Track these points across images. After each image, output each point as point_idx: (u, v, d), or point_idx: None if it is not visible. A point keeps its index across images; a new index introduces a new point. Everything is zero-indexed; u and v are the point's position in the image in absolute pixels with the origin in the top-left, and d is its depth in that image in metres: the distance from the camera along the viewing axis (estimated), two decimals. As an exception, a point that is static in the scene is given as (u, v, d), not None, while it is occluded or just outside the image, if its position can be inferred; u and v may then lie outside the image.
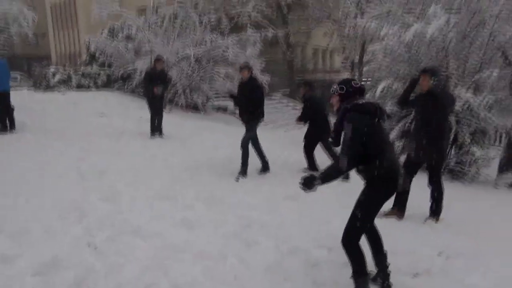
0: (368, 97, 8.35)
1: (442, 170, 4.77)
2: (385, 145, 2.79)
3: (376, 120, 2.72)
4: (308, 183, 2.73)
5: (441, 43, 7.23)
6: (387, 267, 2.92)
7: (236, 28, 14.98)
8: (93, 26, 25.62)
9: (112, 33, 17.52)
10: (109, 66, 15.26)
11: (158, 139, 8.24)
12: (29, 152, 6.30)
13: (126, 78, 14.53)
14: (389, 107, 7.66)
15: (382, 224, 3.12)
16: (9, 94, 7.92)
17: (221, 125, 12.20)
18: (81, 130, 8.57)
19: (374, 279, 2.93)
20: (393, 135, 7.63)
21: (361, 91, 2.86)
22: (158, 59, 8.60)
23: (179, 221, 3.90)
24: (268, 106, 17.06)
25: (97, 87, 15.05)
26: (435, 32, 6.82)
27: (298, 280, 3.01)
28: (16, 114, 8.06)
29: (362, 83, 3.01)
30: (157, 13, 15.38)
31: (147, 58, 13.64)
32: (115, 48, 14.63)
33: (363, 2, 16.39)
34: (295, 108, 17.77)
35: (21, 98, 10.39)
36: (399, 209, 4.65)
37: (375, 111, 2.72)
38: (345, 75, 24.50)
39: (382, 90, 7.48)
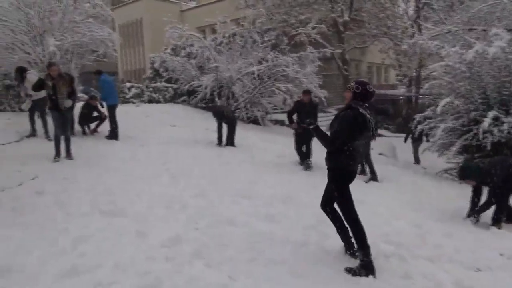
0: (429, 112, 8.74)
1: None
2: (353, 143, 3.28)
3: (358, 129, 3.23)
4: (314, 129, 3.45)
5: (504, 61, 7.42)
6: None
7: (295, 46, 15.73)
8: (156, 44, 27.77)
9: (175, 50, 19.01)
10: (175, 81, 16.54)
11: (227, 147, 9.06)
12: (125, 157, 7.30)
13: (191, 92, 15.71)
14: (451, 122, 7.97)
15: (450, 229, 3.56)
16: (117, 106, 9.04)
17: (280, 137, 12.87)
18: (158, 139, 9.59)
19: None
20: (454, 149, 7.93)
21: (369, 96, 3.29)
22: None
23: (263, 215, 4.56)
24: (323, 119, 17.59)
25: (165, 100, 16.38)
26: (497, 51, 7.06)
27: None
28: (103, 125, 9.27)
29: (374, 89, 3.36)
30: (219, 33, 16.57)
31: (212, 75, 14.74)
32: (181, 65, 15.91)
33: (421, 19, 16.56)
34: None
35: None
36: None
37: (364, 122, 3.20)
38: (401, 90, 24.47)
39: (443, 105, 7.77)
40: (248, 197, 5.23)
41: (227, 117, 9.38)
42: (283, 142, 11.46)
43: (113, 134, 8.97)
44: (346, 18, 17.40)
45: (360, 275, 3.24)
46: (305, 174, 7.10)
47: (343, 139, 3.25)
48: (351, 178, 3.40)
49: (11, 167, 5.71)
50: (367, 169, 7.53)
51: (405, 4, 19.33)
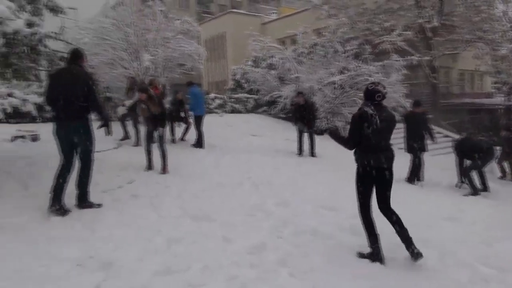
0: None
1: None
2: (368, 142, 3.52)
3: (366, 124, 3.46)
4: (329, 133, 3.92)
5: None
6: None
7: (378, 54, 15.22)
8: (238, 56, 28.79)
9: (256, 62, 19.50)
10: (256, 92, 16.94)
11: (308, 157, 9.01)
12: (209, 165, 7.64)
13: (271, 103, 15.95)
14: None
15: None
16: (203, 117, 9.55)
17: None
18: (240, 148, 9.89)
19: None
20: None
21: (372, 94, 3.57)
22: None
23: (347, 227, 4.45)
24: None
25: (247, 111, 16.85)
26: None
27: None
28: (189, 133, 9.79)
29: (376, 87, 3.58)
30: (300, 44, 16.65)
31: (292, 85, 14.83)
32: (262, 76, 16.27)
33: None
34: (439, 133, 16.97)
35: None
36: None
37: (364, 119, 3.47)
38: (499, 99, 22.33)
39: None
40: (331, 208, 5.15)
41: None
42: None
43: (199, 143, 9.44)
44: (436, 23, 16.43)
45: (367, 258, 3.60)
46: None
47: (355, 138, 3.57)
48: (371, 175, 3.60)
49: (111, 172, 6.28)
50: (467, 182, 7.24)
51: (504, 6, 17.67)
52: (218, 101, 16.27)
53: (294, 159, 8.65)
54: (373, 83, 3.70)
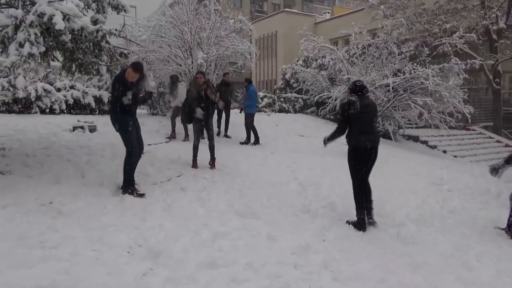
0: None
1: None
2: (355, 127, 4.35)
3: (351, 111, 4.31)
4: (326, 140, 4.78)
5: None
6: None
7: (435, 56, 14.54)
8: (289, 56, 28.71)
9: (306, 62, 19.32)
10: (305, 92, 16.80)
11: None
12: (256, 162, 7.68)
13: (320, 103, 15.75)
14: None
15: None
16: (254, 115, 9.89)
17: (412, 153, 11.99)
18: (287, 147, 9.85)
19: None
20: None
21: (358, 90, 4.44)
22: None
23: (394, 235, 4.30)
24: (465, 139, 15.82)
25: (295, 111, 16.76)
26: None
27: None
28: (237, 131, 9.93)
29: (362, 84, 4.52)
30: (354, 44, 16.28)
31: (343, 87, 14.54)
32: (312, 76, 16.10)
33: None
34: (499, 142, 15.95)
35: (237, 117, 12.56)
36: None
37: (349, 105, 4.33)
38: None
39: None
40: (379, 215, 4.97)
41: None
42: (415, 159, 10.67)
43: (253, 139, 9.75)
44: (502, 25, 15.41)
45: (354, 226, 4.39)
46: (441, 198, 6.39)
47: (344, 122, 4.40)
48: (359, 154, 4.41)
49: (162, 164, 6.50)
50: None
51: None
52: (266, 100, 16.33)
53: (342, 161, 8.44)
54: (358, 80, 4.67)
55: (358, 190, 4.50)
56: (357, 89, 4.46)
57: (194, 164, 6.73)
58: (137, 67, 4.73)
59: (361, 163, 4.46)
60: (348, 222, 4.47)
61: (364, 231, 4.30)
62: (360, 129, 4.34)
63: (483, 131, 16.90)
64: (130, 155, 4.89)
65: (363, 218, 4.40)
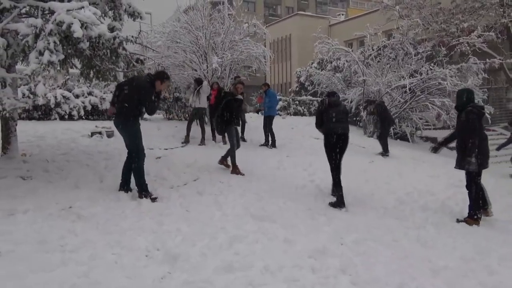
0: None
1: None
2: (328, 119, 5.41)
3: (323, 108, 5.50)
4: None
5: None
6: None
7: (452, 56, 14.31)
8: (303, 58, 28.65)
9: (321, 64, 19.25)
10: (320, 95, 16.73)
11: (377, 161, 8.75)
12: (272, 165, 7.67)
13: (335, 106, 15.66)
14: None
15: None
16: (273, 118, 10.02)
17: (429, 156, 11.75)
18: (303, 150, 9.80)
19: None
20: None
21: (335, 94, 5.68)
22: None
23: (414, 238, 4.23)
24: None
25: (310, 114, 16.70)
26: None
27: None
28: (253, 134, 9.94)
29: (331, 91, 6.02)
30: (369, 46, 16.16)
31: (359, 89, 14.44)
32: (327, 79, 16.03)
33: None
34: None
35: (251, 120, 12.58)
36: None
37: (322, 104, 5.61)
38: None
39: None
40: (398, 217, 4.92)
41: None
42: (432, 161, 10.49)
43: (270, 142, 9.82)
44: (522, 23, 15.06)
45: (335, 206, 5.20)
46: (461, 200, 6.25)
47: (319, 117, 5.59)
48: (331, 140, 5.35)
49: (178, 168, 6.55)
50: None
51: None
52: (281, 103, 16.32)
53: (359, 164, 8.38)
54: (333, 92, 5.81)
55: (337, 174, 5.35)
56: (334, 93, 5.76)
57: (237, 170, 6.71)
58: (166, 76, 5.08)
59: (334, 148, 5.39)
60: (330, 203, 5.27)
61: (343, 207, 5.13)
62: (332, 120, 5.36)
63: (504, 131, 16.51)
64: (138, 159, 4.92)
65: (341, 194, 5.22)
